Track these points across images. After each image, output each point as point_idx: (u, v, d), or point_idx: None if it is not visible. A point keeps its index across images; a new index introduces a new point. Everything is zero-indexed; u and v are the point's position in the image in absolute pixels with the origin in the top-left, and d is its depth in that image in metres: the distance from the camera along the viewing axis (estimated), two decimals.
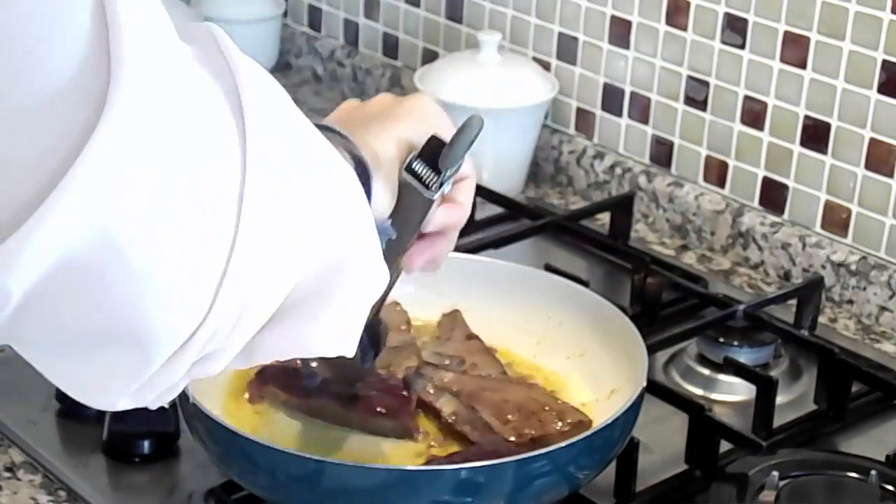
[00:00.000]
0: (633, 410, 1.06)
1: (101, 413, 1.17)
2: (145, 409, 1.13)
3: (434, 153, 0.92)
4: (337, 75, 1.98)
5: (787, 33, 1.48)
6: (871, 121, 1.43)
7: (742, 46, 1.52)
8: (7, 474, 1.15)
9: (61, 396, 1.21)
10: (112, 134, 0.59)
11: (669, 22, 1.58)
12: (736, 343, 1.31)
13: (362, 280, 0.75)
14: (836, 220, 1.48)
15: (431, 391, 1.13)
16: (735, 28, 1.52)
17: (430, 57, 1.84)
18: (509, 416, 1.09)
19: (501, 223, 1.56)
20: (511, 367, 1.20)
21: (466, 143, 0.92)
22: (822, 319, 1.40)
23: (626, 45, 1.63)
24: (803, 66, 1.47)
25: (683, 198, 1.59)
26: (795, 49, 1.47)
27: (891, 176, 1.43)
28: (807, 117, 1.48)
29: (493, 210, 1.57)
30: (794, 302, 1.37)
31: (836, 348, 1.28)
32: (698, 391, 1.29)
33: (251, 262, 0.66)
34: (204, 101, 0.65)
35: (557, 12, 1.69)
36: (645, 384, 1.08)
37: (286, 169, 0.68)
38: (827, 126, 1.47)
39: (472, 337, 1.22)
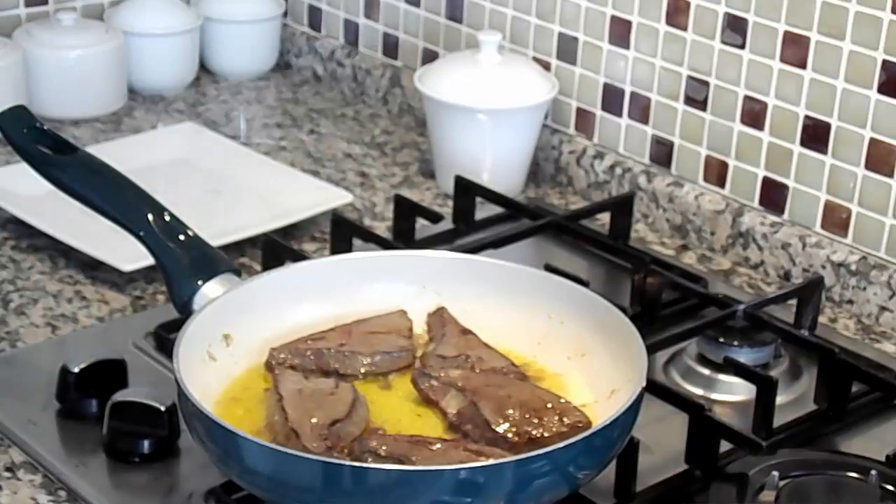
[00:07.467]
0: (633, 410, 1.06)
1: (101, 413, 1.17)
2: (145, 410, 1.15)
3: None
4: (337, 75, 1.98)
5: (787, 33, 1.48)
6: (871, 121, 1.43)
7: (742, 46, 1.52)
8: (7, 474, 1.15)
9: (61, 396, 1.21)
10: None
11: (669, 22, 1.58)
12: (736, 343, 1.31)
13: None
14: (836, 220, 1.48)
15: (438, 389, 1.13)
16: (735, 28, 1.52)
17: (430, 57, 1.84)
18: (509, 412, 1.09)
19: (501, 223, 1.56)
20: None
21: None
22: (822, 319, 1.40)
23: (626, 45, 1.63)
24: (803, 66, 1.47)
25: (683, 198, 1.59)
26: (795, 49, 1.48)
27: (891, 176, 1.43)
28: (807, 117, 1.48)
29: (493, 210, 1.57)
30: (794, 302, 1.37)
31: (836, 348, 1.28)
32: (698, 391, 1.29)
33: None
34: None
35: (557, 12, 1.69)
36: (645, 384, 1.08)
37: None
38: (827, 126, 1.47)
39: (466, 332, 1.22)
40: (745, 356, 1.28)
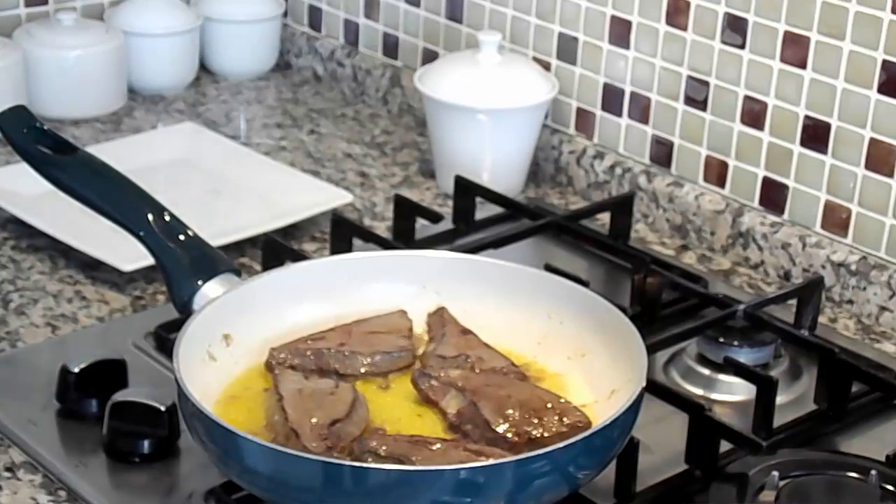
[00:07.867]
0: (632, 410, 1.06)
1: (101, 413, 1.17)
2: (145, 410, 1.15)
3: None
4: (337, 75, 1.98)
5: (787, 33, 1.48)
6: (871, 121, 1.43)
7: (742, 46, 1.52)
8: (7, 474, 1.15)
9: (61, 396, 1.21)
10: None
11: (669, 22, 1.58)
12: (736, 343, 1.31)
13: None
14: (836, 220, 1.48)
15: (438, 389, 1.13)
16: (735, 28, 1.52)
17: (430, 57, 1.84)
18: (509, 412, 1.09)
19: (501, 223, 1.56)
20: None
21: None
22: (822, 319, 1.40)
23: (626, 45, 1.63)
24: (803, 66, 1.47)
25: (683, 198, 1.59)
26: (795, 49, 1.48)
27: (891, 176, 1.43)
28: (807, 117, 1.48)
29: (493, 210, 1.57)
30: (794, 302, 1.37)
31: (836, 348, 1.28)
32: (698, 391, 1.29)
33: None
34: None
35: (557, 12, 1.69)
36: (645, 384, 1.08)
37: None
38: (827, 126, 1.47)
39: (466, 332, 1.22)
40: (745, 356, 1.28)
